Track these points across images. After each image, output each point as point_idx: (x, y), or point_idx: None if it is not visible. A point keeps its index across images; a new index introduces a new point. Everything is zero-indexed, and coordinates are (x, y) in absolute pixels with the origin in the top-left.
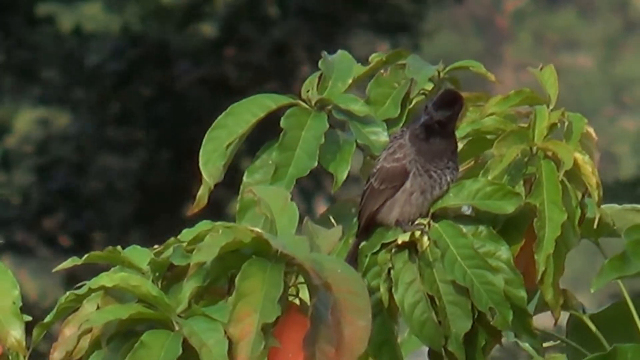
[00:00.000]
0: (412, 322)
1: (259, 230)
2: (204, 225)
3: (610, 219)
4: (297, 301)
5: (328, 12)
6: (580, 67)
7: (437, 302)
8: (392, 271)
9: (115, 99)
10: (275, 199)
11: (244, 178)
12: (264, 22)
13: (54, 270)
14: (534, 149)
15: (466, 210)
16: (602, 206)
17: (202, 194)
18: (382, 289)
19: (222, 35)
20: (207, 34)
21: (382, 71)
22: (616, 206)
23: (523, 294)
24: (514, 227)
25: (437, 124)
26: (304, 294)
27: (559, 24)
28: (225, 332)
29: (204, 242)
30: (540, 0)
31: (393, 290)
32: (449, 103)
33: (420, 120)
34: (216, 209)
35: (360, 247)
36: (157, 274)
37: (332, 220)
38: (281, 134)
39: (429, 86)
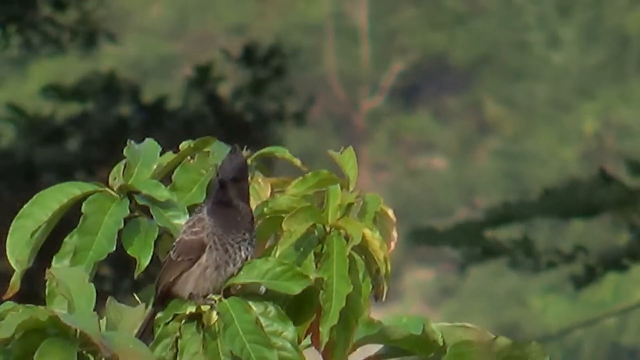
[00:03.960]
0: None
1: (55, 310)
2: (6, 305)
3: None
4: None
5: None
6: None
7: None
8: (179, 340)
9: None
10: (74, 279)
11: (53, 263)
12: None
13: None
14: (327, 227)
15: (263, 290)
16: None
17: (15, 280)
18: (167, 358)
19: None
20: None
21: (189, 158)
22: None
23: None
24: (306, 302)
25: (230, 184)
26: None
27: (414, 126)
28: None
29: (4, 320)
30: (395, 102)
31: (178, 359)
32: (239, 166)
33: (216, 190)
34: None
35: (156, 318)
36: None
37: (137, 298)
38: (81, 219)
39: None
